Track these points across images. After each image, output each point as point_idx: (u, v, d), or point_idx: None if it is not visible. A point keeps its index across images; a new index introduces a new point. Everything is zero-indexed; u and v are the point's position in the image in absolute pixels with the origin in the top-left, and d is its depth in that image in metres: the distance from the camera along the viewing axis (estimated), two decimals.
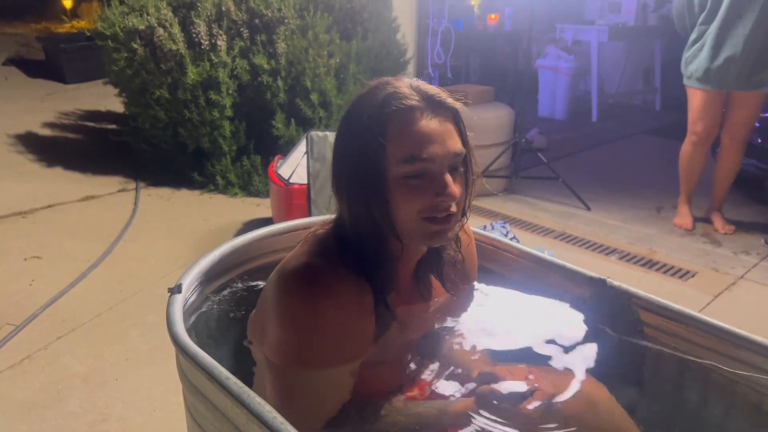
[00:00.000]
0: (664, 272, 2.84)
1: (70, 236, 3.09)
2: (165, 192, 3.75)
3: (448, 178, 0.93)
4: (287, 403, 0.93)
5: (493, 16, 5.54)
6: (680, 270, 2.86)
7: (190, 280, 1.18)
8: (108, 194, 3.69)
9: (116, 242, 3.01)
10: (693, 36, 3.05)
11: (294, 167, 2.86)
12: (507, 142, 3.83)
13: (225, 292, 1.31)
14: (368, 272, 0.97)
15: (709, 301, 2.59)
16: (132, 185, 3.82)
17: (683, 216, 3.37)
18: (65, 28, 8.91)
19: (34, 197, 3.53)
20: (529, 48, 4.13)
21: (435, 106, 0.94)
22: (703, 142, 3.17)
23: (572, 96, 6.07)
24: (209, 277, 1.26)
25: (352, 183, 0.96)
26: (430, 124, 0.92)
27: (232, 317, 1.27)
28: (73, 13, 9.38)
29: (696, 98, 3.09)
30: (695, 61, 3.03)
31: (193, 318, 1.20)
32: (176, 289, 1.14)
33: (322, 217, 1.28)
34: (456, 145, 0.94)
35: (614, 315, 1.22)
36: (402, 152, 0.92)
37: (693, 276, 2.80)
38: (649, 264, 2.92)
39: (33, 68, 6.71)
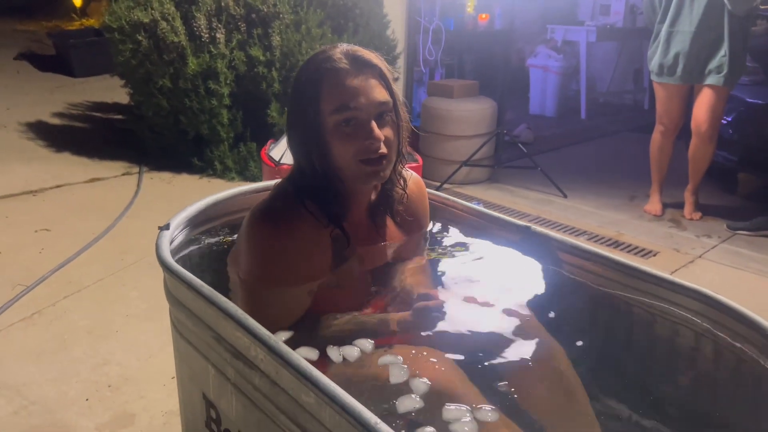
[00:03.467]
0: (628, 251, 3.04)
1: (76, 213, 3.32)
2: (166, 176, 3.97)
3: (374, 123, 1.14)
4: (251, 314, 1.14)
5: (483, 15, 5.74)
6: (643, 250, 3.06)
7: (177, 222, 1.40)
8: (113, 177, 3.92)
9: (119, 219, 3.24)
10: (653, 34, 3.27)
11: (284, 150, 3.07)
12: (489, 133, 4.04)
13: (206, 237, 1.53)
14: (322, 206, 1.19)
15: None
16: (135, 169, 4.05)
17: (653, 203, 3.57)
18: (75, 25, 9.20)
19: (44, 178, 3.76)
20: (520, 47, 4.33)
21: (361, 65, 1.15)
22: (669, 131, 3.38)
23: (562, 94, 6.24)
24: (195, 223, 1.48)
25: (297, 136, 1.19)
26: (355, 80, 1.13)
27: (212, 252, 1.49)
28: (83, 12, 9.68)
29: (659, 91, 3.32)
30: (654, 57, 3.25)
31: (177, 257, 1.41)
32: (165, 227, 1.36)
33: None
34: (380, 95, 1.15)
35: (538, 255, 1.43)
36: (333, 104, 1.13)
37: (655, 255, 3.01)
38: (615, 244, 3.12)
39: (43, 62, 6.98)
